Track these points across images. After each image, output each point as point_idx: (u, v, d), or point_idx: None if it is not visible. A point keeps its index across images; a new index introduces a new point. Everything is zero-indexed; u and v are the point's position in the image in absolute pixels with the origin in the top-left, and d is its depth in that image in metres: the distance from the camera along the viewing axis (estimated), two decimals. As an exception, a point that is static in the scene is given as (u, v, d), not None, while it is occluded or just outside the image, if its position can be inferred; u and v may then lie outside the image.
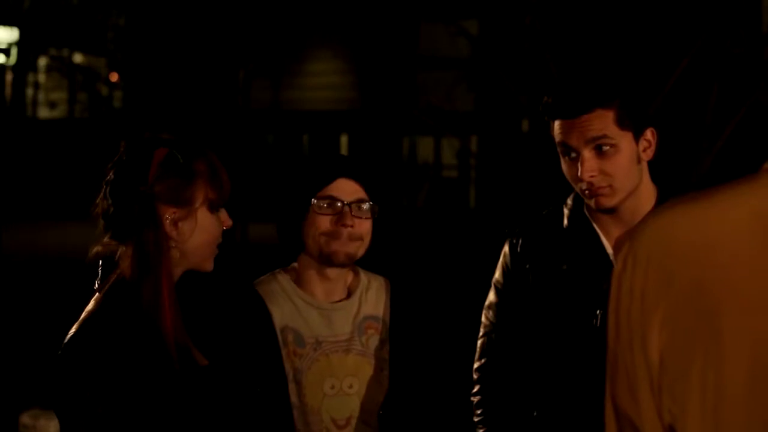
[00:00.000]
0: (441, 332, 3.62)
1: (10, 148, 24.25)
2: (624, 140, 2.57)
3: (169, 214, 2.21)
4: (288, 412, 2.66)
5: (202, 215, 2.25)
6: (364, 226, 2.71)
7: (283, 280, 2.77)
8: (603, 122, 2.55)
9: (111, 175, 2.23)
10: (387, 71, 23.30)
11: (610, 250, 2.66)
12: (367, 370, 2.75)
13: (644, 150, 2.61)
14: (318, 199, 2.69)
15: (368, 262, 2.90)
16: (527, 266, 2.73)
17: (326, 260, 2.71)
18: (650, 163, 2.68)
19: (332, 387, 2.71)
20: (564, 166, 2.63)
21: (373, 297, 2.82)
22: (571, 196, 2.75)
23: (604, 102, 2.56)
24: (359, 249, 2.73)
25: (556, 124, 2.60)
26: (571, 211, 2.73)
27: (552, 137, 2.66)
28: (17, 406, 6.13)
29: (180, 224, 2.22)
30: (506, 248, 2.79)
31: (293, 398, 2.67)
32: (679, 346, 1.25)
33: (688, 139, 6.82)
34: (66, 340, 2.15)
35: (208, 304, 2.39)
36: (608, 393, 1.33)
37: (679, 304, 1.26)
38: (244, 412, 2.32)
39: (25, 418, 5.81)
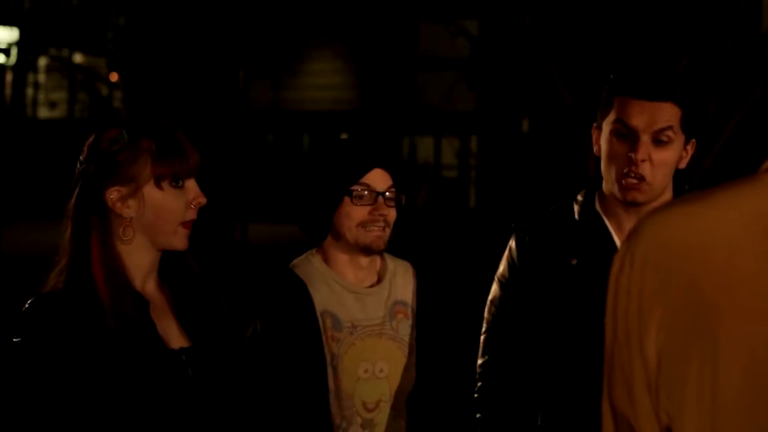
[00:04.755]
0: (467, 320, 3.66)
1: (10, 148, 24.22)
2: (678, 140, 2.59)
3: (115, 192, 2.22)
4: (325, 398, 2.69)
5: (150, 192, 2.23)
6: (393, 214, 2.79)
7: (317, 262, 2.81)
8: (672, 115, 2.56)
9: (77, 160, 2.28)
10: (387, 71, 23.29)
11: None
12: (397, 354, 2.79)
13: (682, 158, 2.63)
14: (355, 188, 2.73)
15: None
16: (535, 261, 2.70)
17: (365, 250, 2.76)
18: None
19: (366, 371, 2.75)
20: (610, 145, 2.60)
21: (401, 282, 2.86)
22: (582, 192, 2.74)
23: (679, 97, 2.57)
24: (389, 236, 2.79)
25: (623, 101, 2.58)
26: (582, 206, 2.71)
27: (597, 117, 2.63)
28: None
29: (128, 201, 2.23)
30: (512, 243, 2.76)
31: (330, 384, 2.71)
32: (676, 346, 1.25)
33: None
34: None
35: (204, 288, 2.38)
36: (605, 393, 1.33)
37: (676, 305, 1.25)
38: (235, 397, 2.31)
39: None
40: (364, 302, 2.79)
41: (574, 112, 7.51)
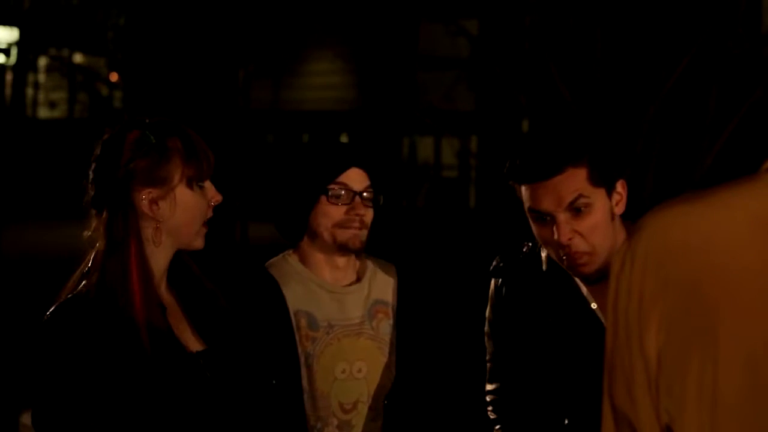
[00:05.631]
0: (448, 321, 3.65)
1: (10, 148, 24.22)
2: (598, 197, 2.44)
3: (145, 195, 2.19)
4: (299, 397, 2.66)
5: (182, 193, 2.21)
6: (370, 215, 2.77)
7: (294, 262, 2.79)
8: (576, 181, 2.41)
9: (92, 164, 2.24)
10: (387, 71, 23.28)
11: (589, 298, 2.55)
12: (377, 354, 2.77)
13: (617, 204, 2.49)
14: (331, 187, 2.72)
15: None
16: (513, 314, 2.62)
17: (342, 248, 2.74)
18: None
19: (343, 371, 2.73)
20: (536, 231, 2.49)
21: (381, 282, 2.85)
22: None
23: (574, 160, 2.41)
24: (366, 236, 2.77)
25: (525, 188, 2.46)
26: (548, 257, 2.59)
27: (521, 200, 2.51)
28: (17, 406, 6.13)
29: (160, 203, 2.20)
30: (492, 289, 2.69)
31: (304, 383, 2.68)
32: (676, 346, 1.25)
33: (688, 139, 6.81)
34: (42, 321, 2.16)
35: (205, 288, 2.37)
36: (606, 392, 1.33)
37: (677, 304, 1.26)
38: (249, 398, 2.31)
39: (26, 418, 5.80)
40: (342, 302, 2.77)
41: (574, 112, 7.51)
